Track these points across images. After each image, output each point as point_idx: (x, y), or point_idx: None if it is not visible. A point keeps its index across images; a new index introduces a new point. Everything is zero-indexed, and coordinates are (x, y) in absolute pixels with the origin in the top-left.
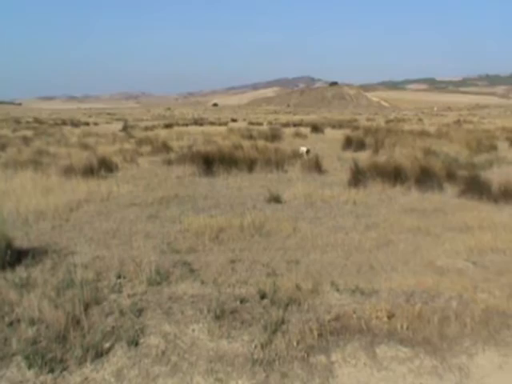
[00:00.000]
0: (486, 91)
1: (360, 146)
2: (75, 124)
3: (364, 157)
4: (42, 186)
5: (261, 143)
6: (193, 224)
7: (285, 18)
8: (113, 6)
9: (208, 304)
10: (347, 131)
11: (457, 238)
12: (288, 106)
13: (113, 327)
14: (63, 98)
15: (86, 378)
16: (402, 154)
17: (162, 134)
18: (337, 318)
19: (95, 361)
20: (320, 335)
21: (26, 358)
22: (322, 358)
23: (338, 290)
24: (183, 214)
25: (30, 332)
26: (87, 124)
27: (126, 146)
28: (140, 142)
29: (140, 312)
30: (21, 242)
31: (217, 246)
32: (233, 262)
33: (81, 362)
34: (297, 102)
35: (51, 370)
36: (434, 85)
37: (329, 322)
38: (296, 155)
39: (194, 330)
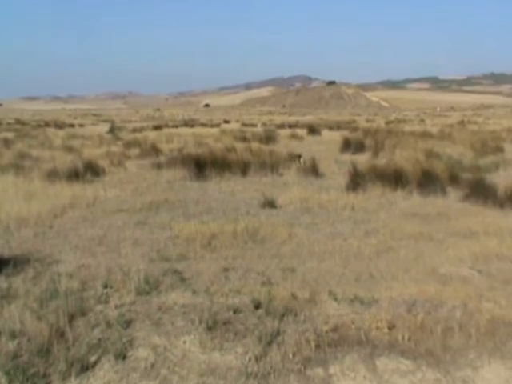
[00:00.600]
0: (491, 90)
1: (359, 148)
2: (59, 126)
3: (363, 159)
4: (24, 191)
5: (255, 145)
6: (183, 230)
7: (280, 15)
8: (99, 3)
9: (200, 314)
10: (345, 133)
11: (461, 244)
12: (283, 106)
13: (99, 339)
14: (47, 99)
15: None
16: (403, 157)
17: (151, 135)
18: (335, 329)
19: (80, 375)
20: (317, 347)
21: (7, 373)
22: (320, 371)
23: (335, 300)
24: (173, 219)
25: (11, 345)
26: (72, 126)
27: (113, 148)
28: (128, 145)
29: (128, 323)
30: (1, 250)
31: (209, 254)
32: (226, 270)
33: (65, 377)
34: (292, 103)
35: None
36: (436, 84)
37: (326, 332)
38: (292, 158)
39: (184, 342)
